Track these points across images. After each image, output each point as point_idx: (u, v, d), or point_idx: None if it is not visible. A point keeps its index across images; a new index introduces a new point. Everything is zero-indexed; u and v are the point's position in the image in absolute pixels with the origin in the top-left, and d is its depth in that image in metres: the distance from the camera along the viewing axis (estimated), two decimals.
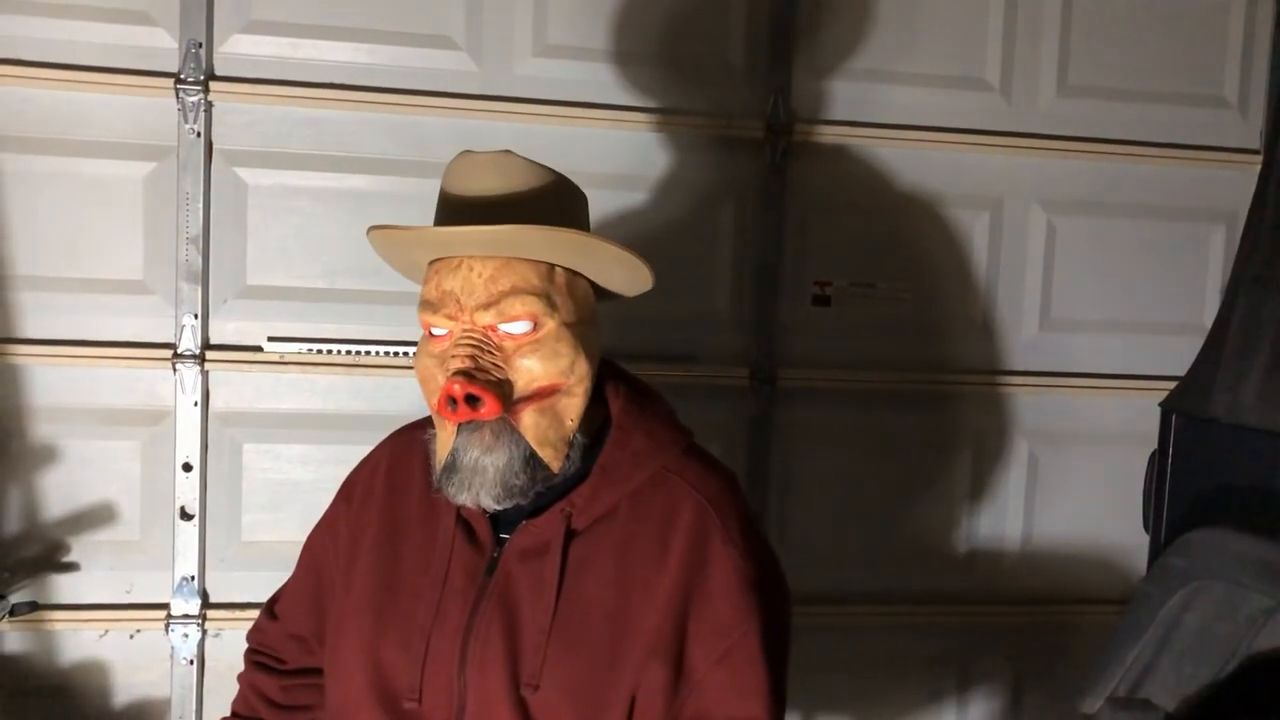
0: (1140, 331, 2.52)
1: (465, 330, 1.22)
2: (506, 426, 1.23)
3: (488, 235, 1.20)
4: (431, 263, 1.27)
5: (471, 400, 1.19)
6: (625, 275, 1.32)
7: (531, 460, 1.24)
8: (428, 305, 1.25)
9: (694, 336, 2.36)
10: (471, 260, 1.23)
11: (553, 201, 1.26)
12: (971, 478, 2.51)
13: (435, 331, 1.25)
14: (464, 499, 1.24)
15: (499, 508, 1.26)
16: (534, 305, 1.22)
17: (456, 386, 1.18)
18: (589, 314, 1.30)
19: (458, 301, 1.22)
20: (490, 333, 1.22)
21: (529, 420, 1.24)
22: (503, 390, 1.21)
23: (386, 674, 1.30)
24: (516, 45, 2.26)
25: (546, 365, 1.23)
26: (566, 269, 1.27)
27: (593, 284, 1.33)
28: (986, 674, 2.56)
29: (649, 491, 1.31)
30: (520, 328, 1.23)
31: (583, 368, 1.26)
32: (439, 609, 1.29)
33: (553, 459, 1.26)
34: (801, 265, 2.40)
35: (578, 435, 1.28)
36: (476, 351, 1.21)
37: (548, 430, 1.25)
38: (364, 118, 2.20)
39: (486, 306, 1.21)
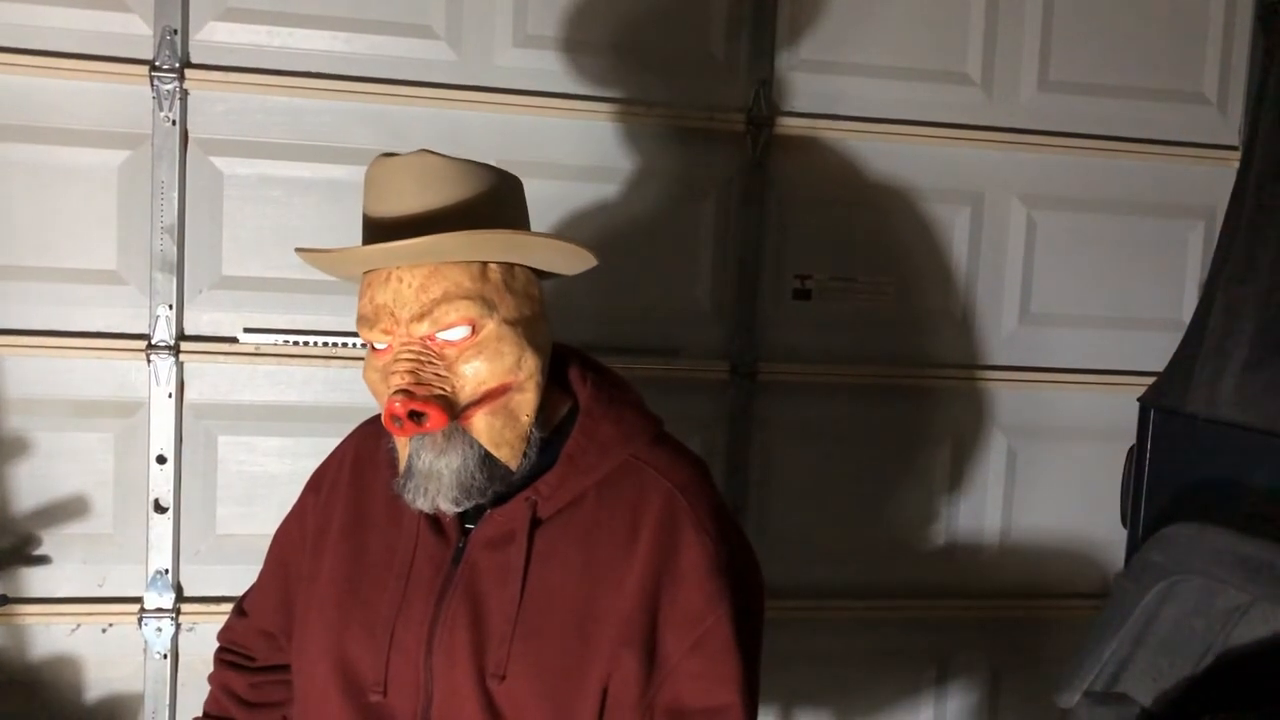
0: (1119, 327, 2.53)
1: (404, 343, 1.20)
2: (459, 430, 1.22)
3: (407, 250, 1.17)
4: (365, 274, 1.25)
5: (416, 416, 1.17)
6: (564, 258, 1.31)
7: (487, 460, 1.23)
8: (364, 320, 1.23)
9: (674, 330, 2.35)
10: (400, 271, 1.20)
11: (475, 200, 1.22)
12: (950, 472, 2.51)
13: (377, 346, 1.24)
14: (422, 504, 1.24)
15: (458, 509, 1.25)
16: (468, 309, 1.20)
17: (398, 404, 1.16)
18: (532, 304, 1.28)
19: (392, 314, 1.20)
20: (429, 342, 1.20)
21: (481, 424, 1.23)
22: (446, 402, 1.19)
23: (351, 666, 1.29)
24: (497, 35, 2.24)
25: (492, 366, 1.21)
26: (501, 263, 1.25)
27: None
28: (964, 668, 2.57)
29: (617, 480, 1.30)
30: (458, 334, 1.20)
31: (531, 362, 1.24)
32: (404, 600, 1.28)
33: (510, 458, 1.25)
34: (782, 259, 2.39)
35: (534, 430, 1.27)
36: (417, 365, 1.19)
37: (503, 430, 1.24)
38: (342, 107, 2.18)
39: (420, 317, 1.19)
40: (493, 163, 1.30)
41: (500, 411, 1.24)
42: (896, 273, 2.44)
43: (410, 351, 1.20)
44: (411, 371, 1.19)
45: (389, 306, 1.20)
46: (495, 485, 1.25)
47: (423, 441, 1.22)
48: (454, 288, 1.20)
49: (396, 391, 1.17)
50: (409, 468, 1.24)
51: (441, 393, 1.20)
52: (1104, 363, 2.53)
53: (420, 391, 1.18)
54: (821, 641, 2.45)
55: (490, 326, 1.22)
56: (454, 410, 1.20)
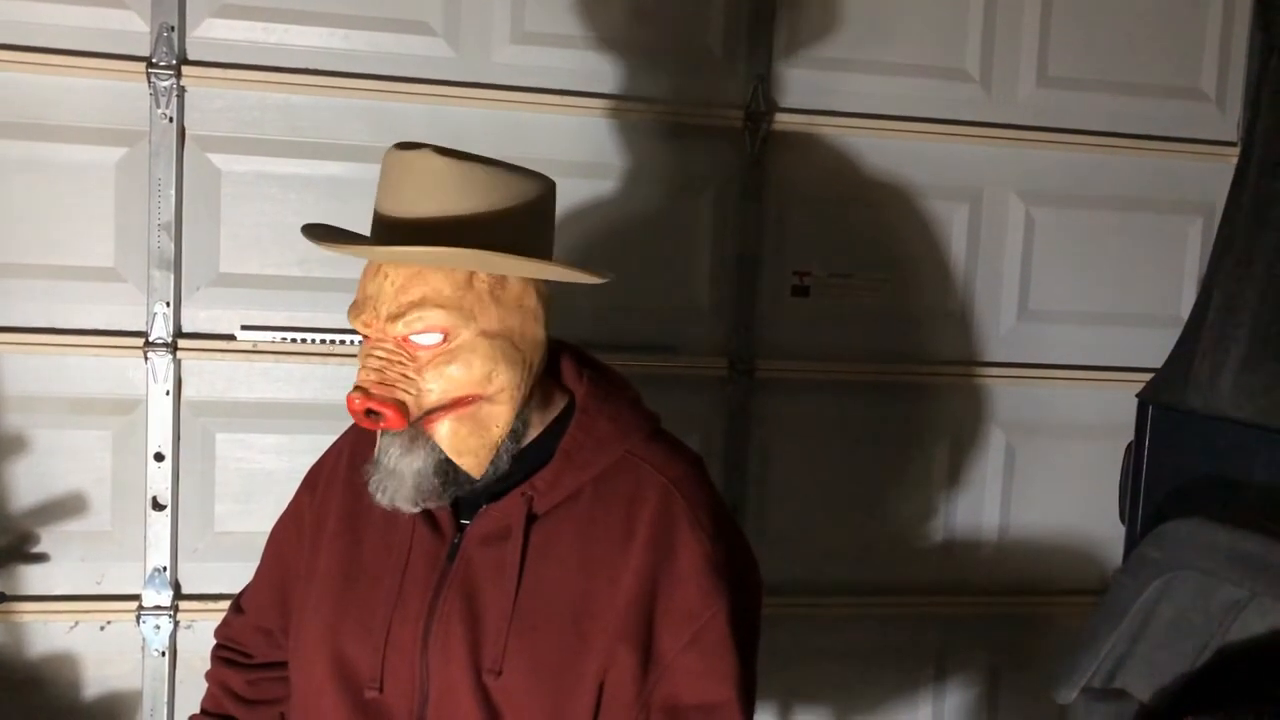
0: (1118, 323, 2.53)
1: (377, 340, 1.21)
2: (424, 433, 1.22)
3: (393, 256, 1.19)
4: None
5: (372, 414, 1.18)
6: (561, 277, 1.29)
7: (446, 463, 1.23)
8: (353, 307, 1.24)
9: (673, 327, 2.35)
10: (388, 267, 1.21)
11: (478, 212, 1.20)
12: (949, 469, 2.51)
13: (364, 333, 1.24)
14: (381, 499, 1.24)
15: (414, 510, 1.25)
16: (442, 318, 1.19)
17: (356, 401, 1.18)
18: (522, 316, 1.25)
19: (373, 308, 1.20)
20: (403, 342, 1.20)
21: (445, 430, 1.22)
22: (404, 406, 1.19)
23: (347, 663, 1.29)
24: (494, 32, 2.23)
25: (461, 375, 1.21)
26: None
27: None
28: (963, 665, 2.57)
29: (613, 476, 1.30)
30: (430, 339, 1.20)
31: (504, 377, 1.23)
32: (399, 596, 1.28)
33: (473, 466, 1.24)
34: (781, 255, 2.39)
35: (508, 441, 1.26)
36: (385, 363, 1.20)
37: (467, 439, 1.23)
38: (339, 104, 2.18)
39: (394, 318, 1.19)
40: None
41: (468, 419, 1.23)
42: (895, 269, 2.43)
43: (382, 349, 1.20)
44: (378, 370, 1.19)
45: (372, 300, 1.21)
46: (452, 490, 1.25)
47: (392, 440, 1.23)
48: (433, 294, 1.19)
49: (356, 388, 1.19)
50: (377, 461, 1.25)
51: (402, 396, 1.19)
52: (1102, 359, 2.53)
53: (379, 392, 1.18)
54: (820, 638, 2.45)
55: (464, 336, 1.21)
56: (410, 415, 1.20)
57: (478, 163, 1.22)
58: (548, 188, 1.29)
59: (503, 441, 1.26)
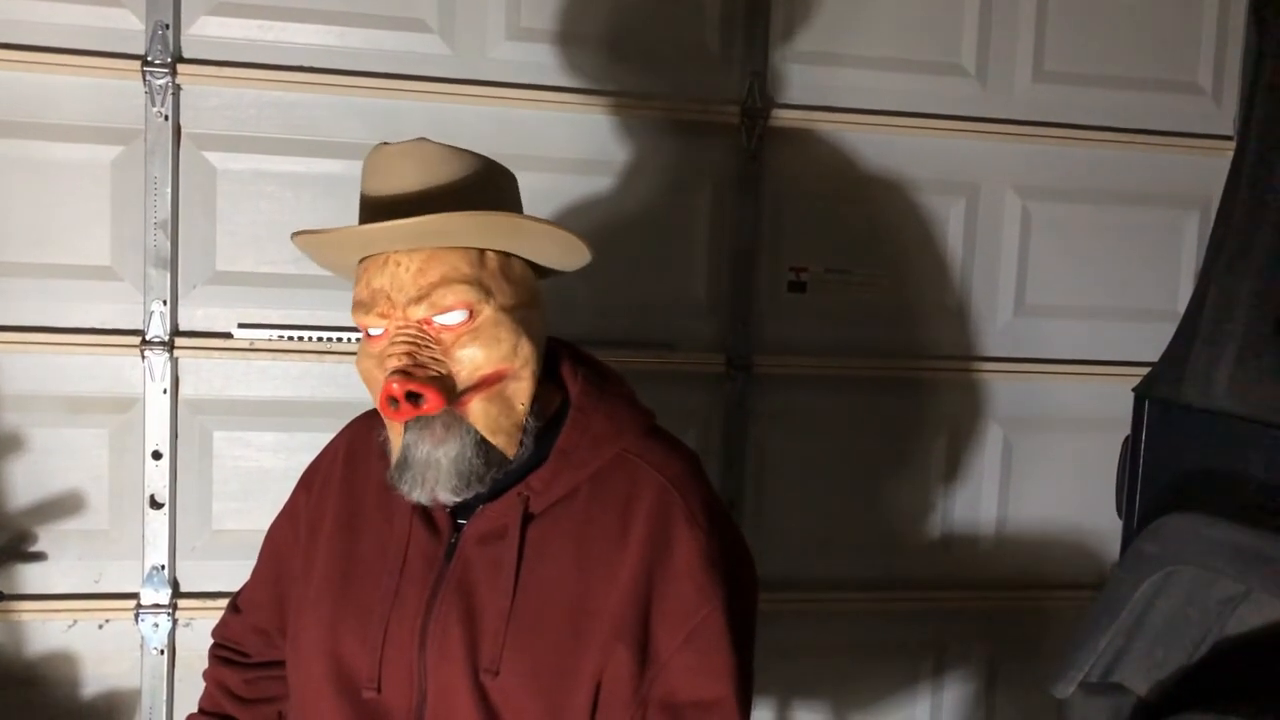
0: (1114, 317, 2.53)
1: (400, 327, 1.20)
2: (456, 418, 1.21)
3: (410, 228, 1.17)
4: (361, 261, 1.25)
5: (413, 397, 1.17)
6: (560, 251, 1.31)
7: (483, 445, 1.23)
8: (360, 305, 1.23)
9: (670, 323, 2.35)
10: (398, 255, 1.20)
11: (475, 185, 1.23)
12: (946, 464, 2.51)
13: (372, 331, 1.23)
14: (419, 496, 1.23)
15: (457, 499, 1.24)
16: (466, 293, 1.20)
17: (395, 385, 1.16)
18: (528, 295, 1.28)
19: (389, 298, 1.20)
20: (426, 326, 1.20)
21: (478, 409, 1.23)
22: (444, 384, 1.19)
23: (345, 663, 1.29)
24: (489, 28, 2.23)
25: (488, 352, 1.21)
26: (498, 252, 1.25)
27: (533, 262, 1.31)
28: (961, 659, 2.58)
29: (609, 474, 1.30)
30: (455, 318, 1.20)
31: (527, 350, 1.25)
32: (397, 596, 1.28)
33: (506, 445, 1.25)
34: (777, 251, 2.39)
35: (530, 419, 1.27)
36: (413, 347, 1.19)
37: (498, 418, 1.24)
38: (335, 101, 2.18)
39: (418, 300, 1.19)
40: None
41: (496, 399, 1.23)
42: (891, 264, 2.43)
43: (406, 335, 1.20)
44: (408, 354, 1.19)
45: (385, 290, 1.20)
46: (493, 472, 1.24)
47: (420, 433, 1.22)
48: (452, 272, 1.20)
49: (394, 372, 1.17)
50: (405, 459, 1.23)
51: (439, 374, 1.20)
52: (1099, 353, 2.53)
53: (418, 373, 1.18)
54: (818, 634, 2.46)
55: (487, 312, 1.22)
56: (451, 393, 1.20)
57: (464, 150, 1.26)
58: (515, 178, 1.34)
59: (527, 419, 1.26)
